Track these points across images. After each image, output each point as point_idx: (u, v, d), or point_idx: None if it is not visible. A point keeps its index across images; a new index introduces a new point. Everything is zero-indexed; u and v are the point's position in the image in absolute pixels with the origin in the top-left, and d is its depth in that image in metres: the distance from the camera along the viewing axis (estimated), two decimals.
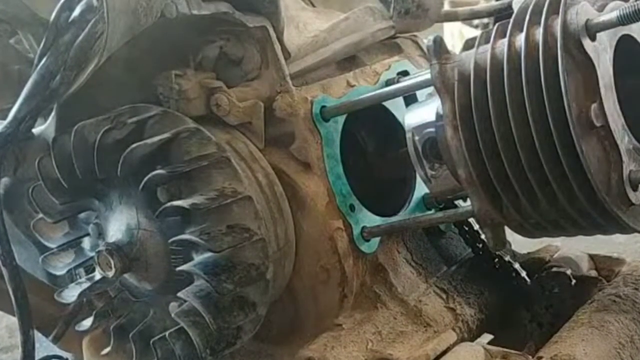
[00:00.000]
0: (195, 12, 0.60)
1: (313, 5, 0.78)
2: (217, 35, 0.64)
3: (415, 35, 0.78)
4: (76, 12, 0.58)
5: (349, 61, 0.72)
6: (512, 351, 0.62)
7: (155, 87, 0.63)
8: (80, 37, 0.57)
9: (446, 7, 0.83)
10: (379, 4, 0.75)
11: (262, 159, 0.64)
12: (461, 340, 0.65)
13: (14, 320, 0.63)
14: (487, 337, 0.70)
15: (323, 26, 0.71)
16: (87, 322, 0.63)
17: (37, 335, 0.65)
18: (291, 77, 0.65)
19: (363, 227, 0.66)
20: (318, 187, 0.64)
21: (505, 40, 0.56)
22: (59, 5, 0.58)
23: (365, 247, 0.66)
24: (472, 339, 0.67)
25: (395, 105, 0.68)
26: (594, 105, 0.53)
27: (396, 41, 0.77)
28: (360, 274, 0.66)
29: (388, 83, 0.69)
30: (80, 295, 0.62)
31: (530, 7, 0.56)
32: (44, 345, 0.71)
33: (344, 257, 0.64)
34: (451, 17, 0.83)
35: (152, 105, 0.61)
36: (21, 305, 0.62)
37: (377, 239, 0.66)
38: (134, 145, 0.58)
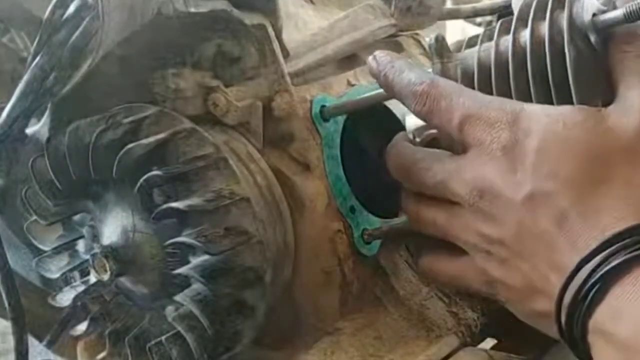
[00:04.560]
0: (192, 9, 0.59)
1: (312, 3, 0.77)
2: (215, 33, 0.63)
3: (417, 34, 0.77)
4: (70, 9, 0.57)
5: (349, 60, 0.71)
6: (516, 356, 0.61)
7: (151, 86, 0.62)
8: (75, 35, 0.56)
9: (449, 4, 0.82)
10: (379, 1, 0.75)
11: (260, 159, 0.63)
12: (464, 345, 0.64)
13: (6, 324, 0.62)
14: (490, 343, 0.70)
15: (323, 24, 0.71)
16: (82, 327, 0.62)
17: (31, 339, 0.64)
18: (290, 76, 0.64)
19: (363, 230, 0.65)
20: (318, 188, 0.63)
21: (510, 37, 0.55)
22: (52, 2, 0.57)
23: (365, 250, 0.65)
24: (475, 343, 0.66)
25: (397, 105, 0.67)
26: (601, 101, 0.52)
27: (397, 39, 0.76)
28: (361, 277, 0.65)
29: None
30: (74, 299, 0.61)
31: (534, 2, 0.55)
32: (37, 349, 0.70)
33: (344, 260, 0.63)
34: (454, 15, 0.83)
35: (148, 105, 0.60)
36: (15, 309, 0.61)
37: (378, 242, 0.66)
38: (129, 146, 0.57)
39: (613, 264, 0.46)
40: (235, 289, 0.56)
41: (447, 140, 0.58)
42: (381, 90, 0.65)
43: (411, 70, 0.59)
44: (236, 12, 0.61)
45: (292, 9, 0.72)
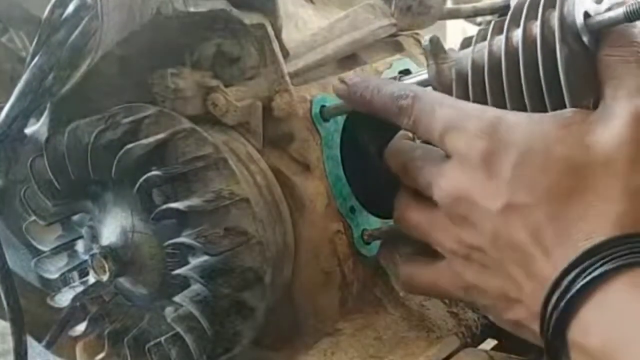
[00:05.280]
0: (191, 9, 0.59)
1: (312, 2, 0.77)
2: (214, 33, 0.63)
3: (417, 33, 0.77)
4: (70, 9, 0.57)
5: (349, 59, 0.71)
6: (517, 357, 0.61)
7: (150, 86, 0.62)
8: (74, 35, 0.56)
9: (449, 4, 0.82)
10: (379, 0, 0.74)
11: (260, 160, 0.63)
12: (464, 345, 0.64)
13: (5, 325, 0.62)
14: (491, 343, 0.69)
15: (323, 24, 0.70)
16: (81, 327, 0.62)
17: (30, 340, 0.64)
18: (290, 76, 0.63)
19: (363, 230, 0.64)
20: (317, 188, 0.63)
21: (502, 37, 0.55)
22: (51, 2, 0.57)
23: (365, 250, 0.64)
24: (476, 344, 0.66)
25: None
26: (593, 100, 0.52)
27: (398, 39, 0.75)
28: (361, 277, 0.65)
29: None
30: (73, 299, 0.61)
31: (527, 2, 0.55)
32: (36, 350, 0.70)
33: (343, 261, 0.63)
34: (454, 15, 0.82)
35: (147, 105, 0.60)
36: (13, 310, 0.61)
37: (378, 242, 0.65)
38: (129, 146, 0.57)
39: (586, 279, 0.47)
40: (234, 289, 0.56)
41: None
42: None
43: (389, 85, 0.60)
44: (235, 12, 0.61)
45: (291, 8, 0.72)
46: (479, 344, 0.67)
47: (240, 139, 0.63)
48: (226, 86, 0.63)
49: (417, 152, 0.59)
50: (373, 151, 0.66)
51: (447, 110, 0.55)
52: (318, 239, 0.62)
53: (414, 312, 0.65)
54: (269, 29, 0.63)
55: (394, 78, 0.68)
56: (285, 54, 0.64)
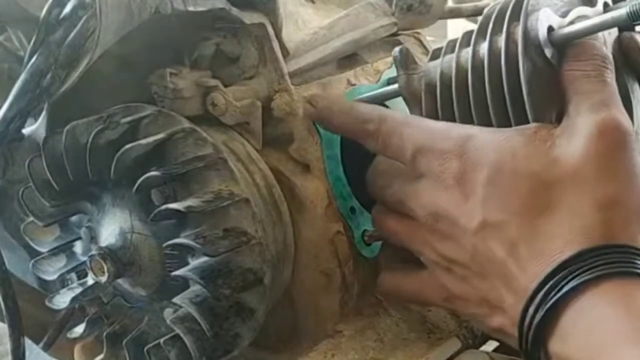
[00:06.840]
0: (190, 8, 0.59)
1: (312, 2, 0.76)
2: (213, 33, 0.62)
3: (418, 33, 0.77)
4: (67, 8, 0.56)
5: (349, 59, 0.71)
6: (518, 359, 0.61)
7: (149, 86, 0.61)
8: (72, 35, 0.56)
9: (450, 3, 0.82)
10: None
11: (259, 160, 0.62)
12: (466, 347, 0.64)
13: (3, 327, 0.61)
14: (492, 345, 0.69)
15: (323, 23, 0.70)
16: (79, 329, 0.62)
17: (28, 342, 0.64)
18: (290, 75, 0.63)
19: (364, 231, 0.64)
20: (317, 189, 0.62)
21: (470, 49, 0.55)
22: (49, 1, 0.57)
23: (366, 252, 0.64)
24: (477, 346, 0.66)
25: (397, 104, 0.67)
26: (556, 113, 0.53)
27: (398, 38, 0.75)
28: (361, 279, 0.64)
29: (390, 82, 0.68)
30: (72, 300, 0.60)
31: (494, 15, 0.55)
32: (34, 352, 0.69)
33: (344, 262, 0.63)
34: (455, 14, 0.82)
35: (146, 105, 0.59)
36: (11, 312, 0.60)
37: (379, 243, 0.65)
38: (127, 146, 0.56)
39: (561, 292, 0.48)
40: (234, 290, 0.56)
41: None
42: (382, 90, 0.64)
43: (354, 109, 0.61)
44: (235, 11, 0.61)
45: (291, 7, 0.71)
46: (480, 346, 0.66)
47: (239, 138, 0.63)
48: (225, 86, 0.62)
49: (380, 166, 0.61)
50: (373, 151, 0.65)
51: (414, 131, 0.57)
52: (318, 239, 0.62)
53: (415, 314, 0.65)
54: (269, 28, 0.62)
55: (395, 78, 0.68)
56: (285, 53, 0.64)
